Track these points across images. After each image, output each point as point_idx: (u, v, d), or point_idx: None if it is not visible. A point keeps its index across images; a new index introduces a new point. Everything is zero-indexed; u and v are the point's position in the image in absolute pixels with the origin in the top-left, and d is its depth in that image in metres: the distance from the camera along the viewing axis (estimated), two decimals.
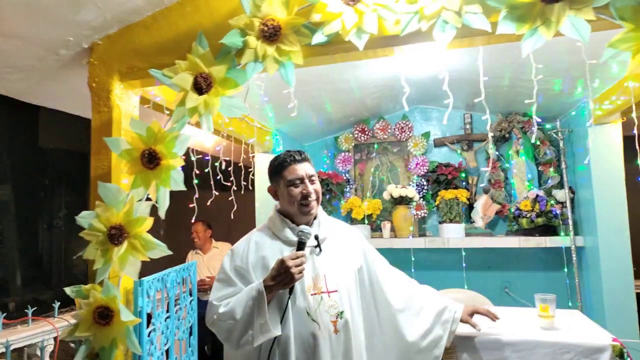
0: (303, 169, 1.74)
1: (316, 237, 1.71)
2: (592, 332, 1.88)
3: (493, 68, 3.08)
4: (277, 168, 1.77)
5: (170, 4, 1.91)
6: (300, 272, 1.57)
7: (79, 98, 2.08)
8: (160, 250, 1.88)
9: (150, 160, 1.85)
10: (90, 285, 1.87)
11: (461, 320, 1.84)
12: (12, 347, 2.67)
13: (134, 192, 1.88)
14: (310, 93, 3.33)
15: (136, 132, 1.85)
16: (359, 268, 1.84)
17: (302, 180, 1.72)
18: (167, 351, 2.41)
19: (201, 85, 1.81)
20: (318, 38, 1.71)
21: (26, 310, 2.82)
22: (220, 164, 2.83)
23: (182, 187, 1.86)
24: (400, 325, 1.83)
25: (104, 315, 1.84)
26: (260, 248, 1.74)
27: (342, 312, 1.64)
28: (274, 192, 1.83)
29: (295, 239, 1.69)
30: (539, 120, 1.84)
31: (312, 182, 1.75)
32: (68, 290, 1.86)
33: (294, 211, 1.74)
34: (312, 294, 1.64)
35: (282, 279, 1.55)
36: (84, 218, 1.86)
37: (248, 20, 1.75)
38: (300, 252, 1.60)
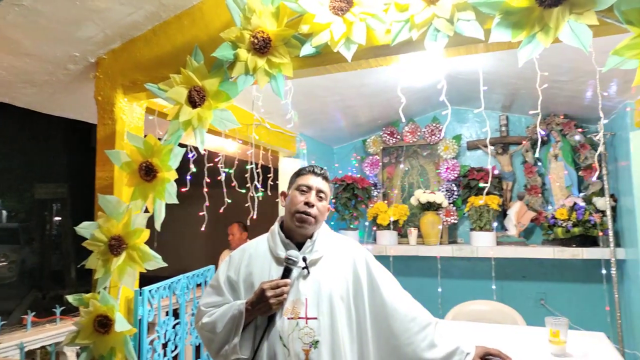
0: (316, 181, 1.71)
1: (304, 259, 1.63)
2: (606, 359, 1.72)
3: (528, 67, 2.86)
4: (295, 174, 1.77)
5: (167, 17, 1.93)
6: (280, 302, 1.55)
7: (90, 108, 2.14)
8: (156, 261, 1.91)
9: (147, 172, 1.88)
10: (91, 294, 1.92)
11: None
12: (29, 348, 2.81)
13: (132, 204, 1.91)
14: (333, 97, 3.27)
15: (134, 145, 1.88)
16: (354, 294, 1.70)
17: (309, 189, 1.68)
18: (175, 357, 2.46)
19: (195, 99, 1.81)
20: (306, 50, 1.66)
21: (54, 310, 2.95)
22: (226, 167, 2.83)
23: (175, 201, 1.88)
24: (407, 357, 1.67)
25: (103, 324, 1.89)
26: (252, 262, 1.71)
27: (317, 342, 1.55)
28: (284, 196, 1.78)
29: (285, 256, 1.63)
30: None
31: (319, 198, 1.69)
32: (70, 298, 1.93)
33: (290, 221, 1.68)
34: (288, 318, 1.57)
35: (260, 307, 1.55)
36: (84, 229, 1.92)
37: (239, 32, 1.73)
38: (282, 281, 1.56)
